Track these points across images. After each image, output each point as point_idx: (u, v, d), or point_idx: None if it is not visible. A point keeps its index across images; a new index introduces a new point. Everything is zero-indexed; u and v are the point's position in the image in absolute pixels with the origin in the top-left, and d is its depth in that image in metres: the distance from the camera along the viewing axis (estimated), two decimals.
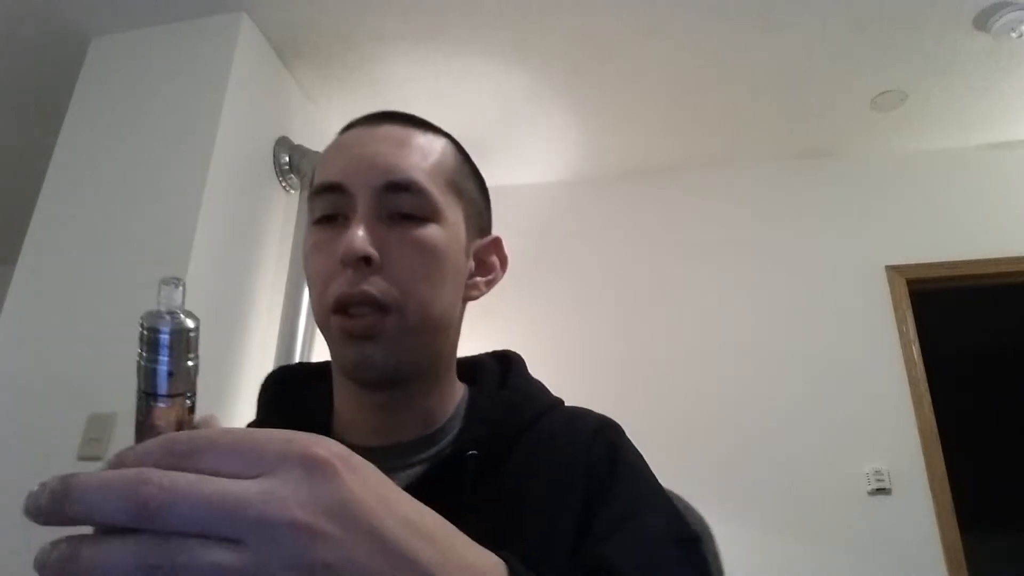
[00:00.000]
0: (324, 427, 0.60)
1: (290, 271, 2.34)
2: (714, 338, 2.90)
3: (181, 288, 0.29)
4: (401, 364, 0.56)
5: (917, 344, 2.78)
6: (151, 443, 0.26)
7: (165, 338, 0.28)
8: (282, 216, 2.48)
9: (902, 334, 2.78)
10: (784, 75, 2.63)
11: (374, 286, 0.55)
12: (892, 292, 2.86)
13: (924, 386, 2.70)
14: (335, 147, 0.63)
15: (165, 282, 0.29)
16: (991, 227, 2.91)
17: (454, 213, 0.61)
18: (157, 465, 0.25)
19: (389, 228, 0.57)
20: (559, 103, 2.79)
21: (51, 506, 0.24)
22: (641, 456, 0.62)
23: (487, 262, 0.67)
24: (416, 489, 0.45)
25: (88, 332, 1.93)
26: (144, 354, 0.28)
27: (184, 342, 0.29)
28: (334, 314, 0.55)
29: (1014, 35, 2.33)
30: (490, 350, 0.72)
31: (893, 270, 2.89)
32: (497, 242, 0.68)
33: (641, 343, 2.94)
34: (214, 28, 2.30)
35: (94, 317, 1.95)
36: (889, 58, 2.53)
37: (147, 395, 0.29)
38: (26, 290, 2.06)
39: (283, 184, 2.46)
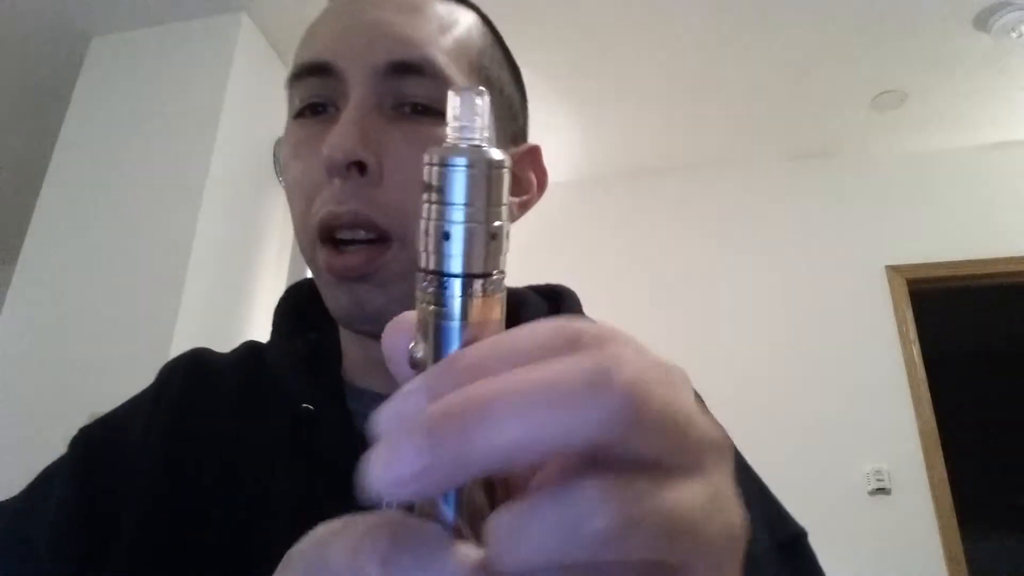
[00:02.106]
0: (334, 368, 0.51)
1: (290, 271, 2.34)
2: (713, 338, 2.90)
3: (485, 101, 0.19)
4: (407, 309, 0.46)
5: (917, 344, 2.78)
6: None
7: (463, 176, 0.18)
8: (282, 216, 2.48)
9: (902, 334, 2.78)
10: (784, 75, 2.63)
11: (371, 203, 0.41)
12: (892, 292, 2.86)
13: (924, 386, 2.70)
14: (324, 14, 0.48)
15: (459, 92, 0.19)
16: (991, 227, 2.91)
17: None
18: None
19: (392, 123, 0.43)
20: (559, 103, 2.79)
21: (440, 449, 0.15)
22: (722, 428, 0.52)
23: (522, 178, 0.52)
24: None
25: (88, 332, 1.93)
26: (432, 209, 0.19)
27: (494, 184, 0.19)
28: (320, 245, 0.42)
29: (1014, 35, 2.33)
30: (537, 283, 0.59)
31: (893, 270, 2.89)
32: (535, 152, 0.54)
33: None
34: (214, 28, 2.30)
35: (94, 317, 1.95)
36: (889, 58, 2.53)
37: (439, 277, 0.19)
38: (26, 290, 2.06)
39: (283, 184, 2.47)
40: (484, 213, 0.19)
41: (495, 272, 0.19)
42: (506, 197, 0.19)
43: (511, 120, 0.52)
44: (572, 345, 0.17)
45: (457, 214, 0.18)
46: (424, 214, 0.19)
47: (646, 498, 0.16)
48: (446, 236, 0.18)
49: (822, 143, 3.06)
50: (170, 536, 0.42)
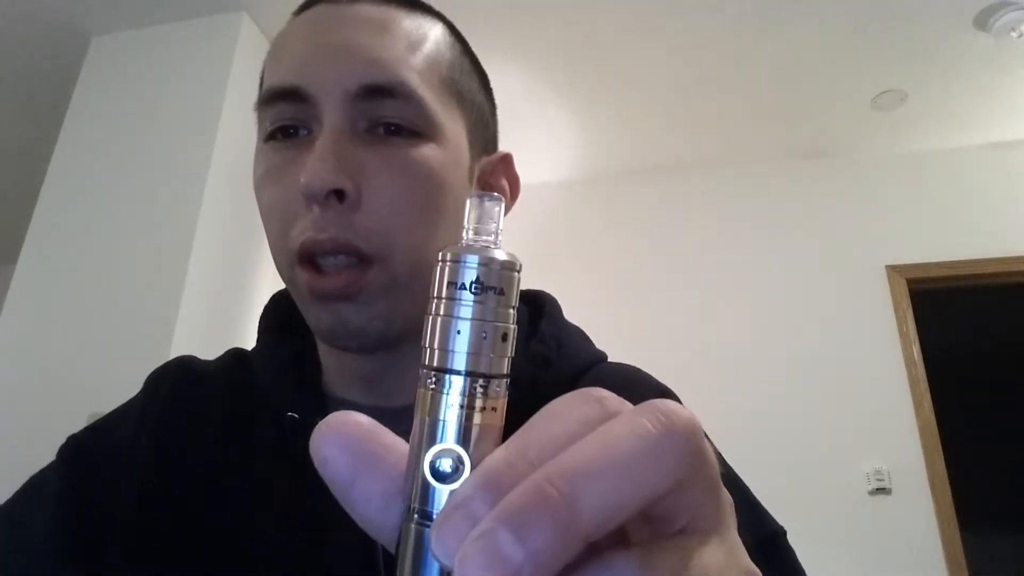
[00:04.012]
0: (316, 377, 0.51)
1: None
2: (714, 338, 2.90)
3: (500, 207, 0.20)
4: (389, 326, 0.43)
5: (917, 344, 2.78)
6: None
7: (472, 273, 0.19)
8: None
9: (902, 334, 2.78)
10: (784, 75, 2.63)
11: (351, 229, 0.41)
12: (892, 292, 2.86)
13: (924, 386, 2.70)
14: (292, 33, 0.48)
15: (476, 198, 0.20)
16: (991, 227, 2.91)
17: (454, 125, 0.46)
18: None
19: (368, 147, 0.42)
20: (559, 103, 2.79)
21: (554, 522, 0.15)
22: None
23: (495, 187, 0.53)
24: None
25: (88, 332, 1.93)
26: (441, 305, 0.19)
27: (504, 286, 0.19)
28: (300, 266, 0.42)
29: (1014, 35, 2.33)
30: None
31: (893, 270, 2.89)
32: (507, 160, 0.54)
33: (640, 343, 2.93)
34: (214, 28, 2.30)
35: (94, 317, 1.95)
36: (889, 58, 2.53)
37: (444, 374, 0.18)
38: (26, 290, 2.06)
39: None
40: (494, 313, 0.19)
41: (500, 374, 0.19)
42: (515, 300, 0.19)
43: (483, 129, 0.52)
44: (605, 407, 0.18)
45: (466, 311, 0.18)
46: (432, 309, 0.19)
47: (678, 568, 0.17)
48: (455, 333, 0.18)
49: (822, 143, 3.06)
50: (162, 540, 0.43)
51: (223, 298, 2.13)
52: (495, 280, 0.19)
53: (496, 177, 0.53)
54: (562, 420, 0.18)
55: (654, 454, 0.16)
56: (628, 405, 0.18)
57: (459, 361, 0.18)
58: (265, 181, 0.45)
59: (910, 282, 2.88)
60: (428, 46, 0.46)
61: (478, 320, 0.18)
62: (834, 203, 3.08)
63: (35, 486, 0.49)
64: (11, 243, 2.39)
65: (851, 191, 3.09)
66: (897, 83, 2.67)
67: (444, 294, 0.19)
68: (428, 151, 0.44)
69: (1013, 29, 2.31)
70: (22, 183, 2.62)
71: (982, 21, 2.33)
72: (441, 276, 0.19)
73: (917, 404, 2.67)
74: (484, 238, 0.20)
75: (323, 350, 0.51)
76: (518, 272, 0.19)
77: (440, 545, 0.16)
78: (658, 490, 0.16)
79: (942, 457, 2.60)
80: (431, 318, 0.19)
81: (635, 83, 2.68)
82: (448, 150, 0.45)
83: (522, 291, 0.60)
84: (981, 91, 2.71)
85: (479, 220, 0.20)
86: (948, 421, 2.81)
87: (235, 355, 0.55)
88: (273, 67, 0.46)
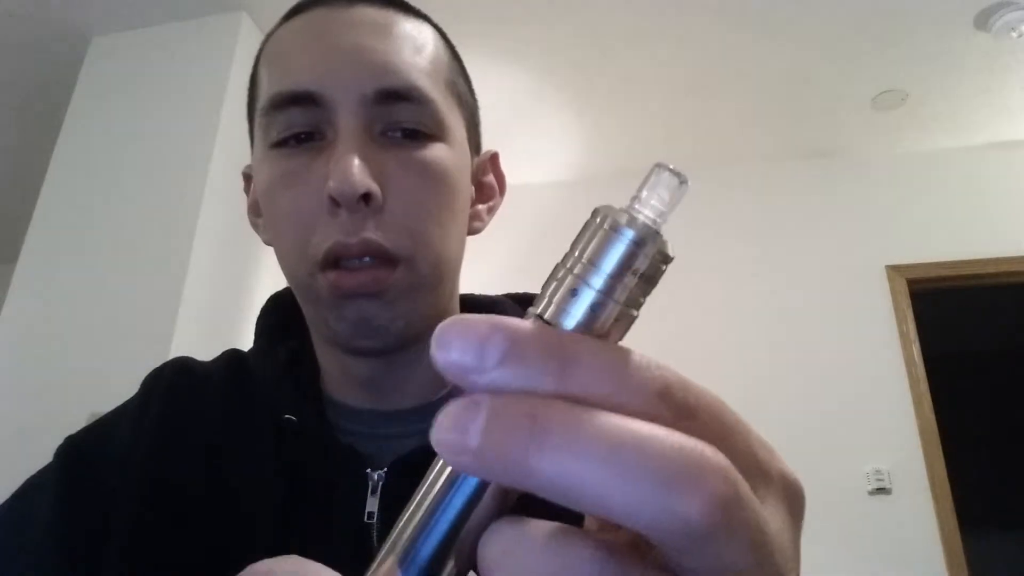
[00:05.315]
0: (311, 380, 0.51)
1: None
2: (714, 338, 2.90)
3: (682, 190, 0.19)
4: (409, 326, 0.44)
5: (917, 344, 2.78)
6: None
7: (622, 248, 0.17)
8: None
9: (902, 334, 2.78)
10: (785, 75, 2.63)
11: (379, 232, 0.42)
12: (892, 292, 2.86)
13: (924, 386, 2.70)
14: (292, 36, 0.47)
15: (664, 170, 0.19)
16: (991, 227, 2.91)
17: (457, 126, 0.48)
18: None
19: (385, 150, 0.43)
20: (560, 103, 2.79)
21: (494, 448, 0.14)
22: None
23: (485, 184, 0.55)
24: (411, 465, 0.42)
25: (88, 332, 1.93)
26: (575, 262, 0.17)
27: (651, 274, 0.18)
28: (323, 271, 0.42)
29: (1014, 35, 2.33)
30: (513, 292, 0.60)
31: (893, 270, 2.89)
32: (495, 159, 0.56)
33: (639, 343, 2.93)
34: (214, 28, 2.30)
35: (94, 317, 1.95)
36: (889, 58, 2.53)
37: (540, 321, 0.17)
38: (26, 290, 2.06)
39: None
40: (626, 296, 0.17)
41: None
42: (650, 293, 0.18)
43: (475, 128, 0.53)
44: (682, 411, 0.16)
45: (597, 281, 0.17)
46: (565, 262, 0.18)
47: None
48: (577, 297, 0.17)
49: (822, 143, 3.06)
50: (159, 544, 0.43)
51: (223, 298, 2.13)
52: (642, 264, 0.17)
53: (485, 174, 0.55)
54: (655, 391, 0.16)
55: (647, 490, 0.14)
56: (723, 430, 0.16)
57: (569, 325, 0.17)
58: (278, 187, 0.44)
59: (910, 282, 2.88)
60: (430, 49, 0.47)
61: (606, 297, 0.17)
62: (834, 203, 3.08)
63: (33, 487, 0.48)
64: (11, 243, 2.39)
65: (851, 191, 3.08)
66: (897, 83, 2.67)
67: (586, 256, 0.17)
68: (441, 152, 0.45)
69: (1013, 29, 2.31)
70: (22, 183, 2.62)
71: (982, 21, 2.33)
72: (590, 238, 0.17)
73: (917, 404, 2.67)
74: (649, 215, 0.18)
75: (322, 352, 0.51)
76: (666, 265, 0.18)
77: (441, 351, 0.15)
78: (627, 522, 0.14)
79: (942, 457, 2.60)
80: (562, 269, 0.18)
81: (635, 83, 2.68)
82: (456, 151, 0.46)
83: (519, 294, 0.59)
84: (981, 91, 2.71)
85: (657, 194, 0.18)
86: (948, 421, 2.81)
87: (233, 356, 0.55)
88: (276, 72, 0.46)
